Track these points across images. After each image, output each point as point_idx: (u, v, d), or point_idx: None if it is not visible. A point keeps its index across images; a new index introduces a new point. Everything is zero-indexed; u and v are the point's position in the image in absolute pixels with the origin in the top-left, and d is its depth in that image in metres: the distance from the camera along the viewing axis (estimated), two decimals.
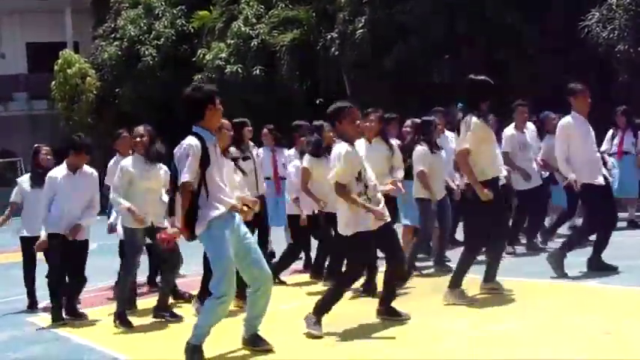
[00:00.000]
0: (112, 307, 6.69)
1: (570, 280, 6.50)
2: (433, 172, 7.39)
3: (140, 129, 6.52)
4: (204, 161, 4.80)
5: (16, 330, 6.65)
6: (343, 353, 4.90)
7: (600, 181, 6.75)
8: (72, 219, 6.71)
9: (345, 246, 5.69)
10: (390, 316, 5.59)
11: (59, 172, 6.86)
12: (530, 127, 8.63)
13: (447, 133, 8.15)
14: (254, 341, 5.04)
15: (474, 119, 5.91)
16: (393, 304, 5.66)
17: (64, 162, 6.89)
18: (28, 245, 7.43)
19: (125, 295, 6.48)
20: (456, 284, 6.02)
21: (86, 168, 6.94)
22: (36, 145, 7.97)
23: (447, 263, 7.53)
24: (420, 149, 7.40)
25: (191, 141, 4.83)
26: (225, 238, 4.80)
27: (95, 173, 7.04)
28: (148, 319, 6.38)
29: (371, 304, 5.80)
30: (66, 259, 6.68)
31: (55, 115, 25.23)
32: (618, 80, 11.94)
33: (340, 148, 5.44)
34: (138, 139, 6.44)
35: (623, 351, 4.34)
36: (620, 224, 9.61)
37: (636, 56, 11.64)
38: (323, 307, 5.43)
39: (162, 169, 6.48)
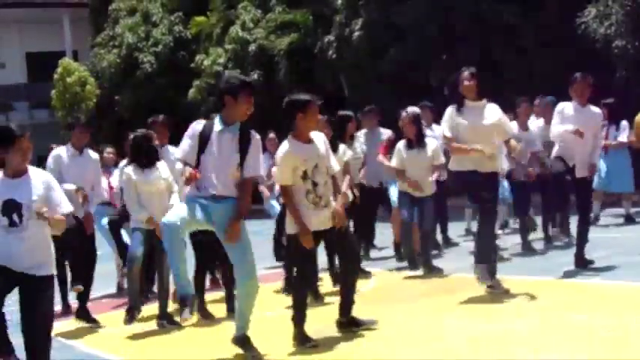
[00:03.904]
0: (117, 314, 6.73)
1: (573, 278, 6.51)
2: (408, 167, 7.57)
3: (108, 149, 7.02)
4: (201, 145, 4.83)
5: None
6: (342, 353, 4.89)
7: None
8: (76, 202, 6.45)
9: (289, 247, 5.44)
10: (352, 327, 5.29)
11: (64, 150, 6.72)
12: (535, 120, 8.58)
13: (434, 126, 8.49)
14: (241, 343, 4.94)
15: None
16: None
17: (70, 142, 6.77)
18: None
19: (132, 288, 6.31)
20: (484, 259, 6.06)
21: (90, 152, 6.88)
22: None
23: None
24: (398, 144, 7.72)
25: (197, 122, 4.96)
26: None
27: (97, 158, 7.01)
28: (155, 326, 6.36)
29: (368, 305, 5.79)
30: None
31: (56, 124, 25.31)
32: (616, 76, 11.94)
33: (281, 147, 5.18)
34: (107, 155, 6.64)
35: (626, 348, 4.35)
36: (617, 220, 9.66)
37: (634, 51, 11.66)
38: (297, 318, 5.10)
39: (161, 170, 6.37)
